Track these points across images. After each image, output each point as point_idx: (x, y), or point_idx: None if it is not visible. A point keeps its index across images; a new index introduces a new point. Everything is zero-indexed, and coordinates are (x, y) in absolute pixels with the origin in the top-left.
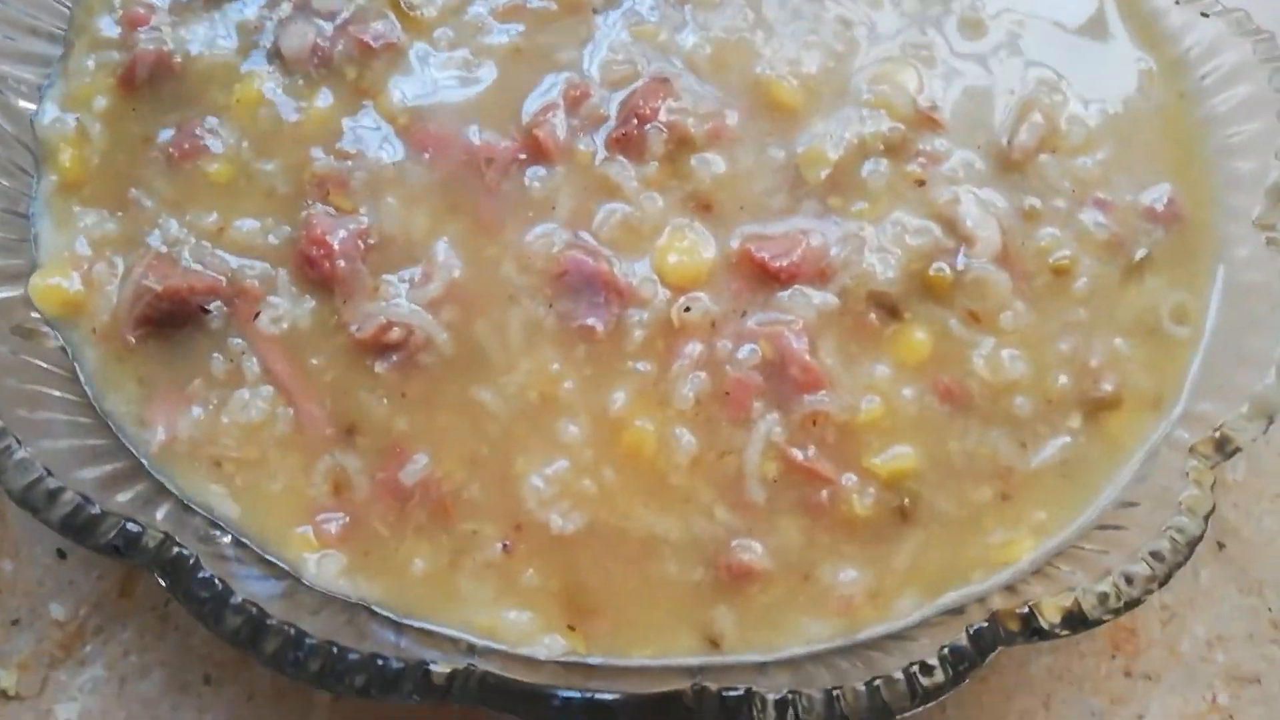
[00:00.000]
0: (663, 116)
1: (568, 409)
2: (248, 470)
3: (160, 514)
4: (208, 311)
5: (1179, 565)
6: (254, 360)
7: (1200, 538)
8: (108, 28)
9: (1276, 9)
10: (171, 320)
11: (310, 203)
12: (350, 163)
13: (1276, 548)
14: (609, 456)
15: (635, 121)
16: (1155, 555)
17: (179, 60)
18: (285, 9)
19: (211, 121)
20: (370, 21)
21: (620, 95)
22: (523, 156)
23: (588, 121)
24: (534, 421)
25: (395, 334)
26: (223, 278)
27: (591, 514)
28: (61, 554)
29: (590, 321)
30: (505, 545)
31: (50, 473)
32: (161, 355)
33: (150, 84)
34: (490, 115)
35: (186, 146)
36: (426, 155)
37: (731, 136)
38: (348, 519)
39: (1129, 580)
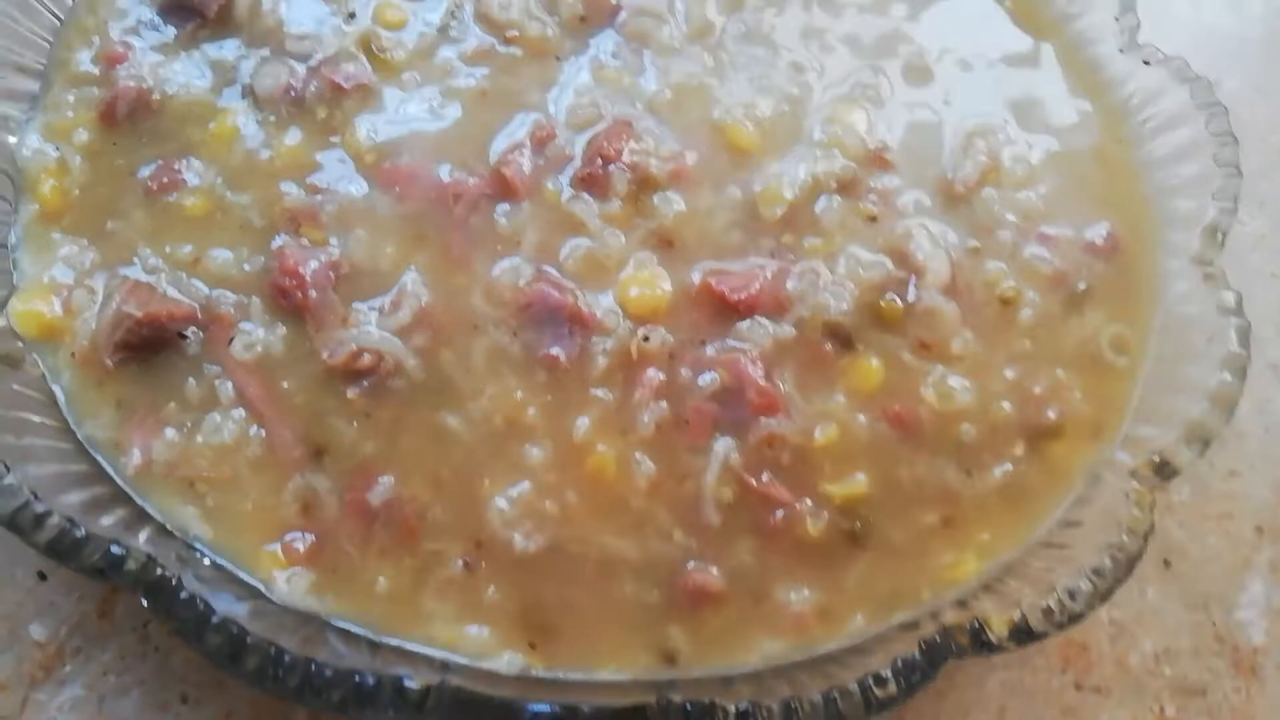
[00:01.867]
0: (626, 157)
1: (532, 434)
2: (220, 491)
3: (142, 537)
4: (185, 337)
5: (1120, 581)
6: (228, 384)
7: (1140, 555)
8: (86, 64)
9: (1212, 56)
10: (150, 345)
11: (282, 235)
12: (320, 197)
13: (1220, 565)
14: (571, 480)
15: (600, 161)
16: (1098, 572)
17: (157, 97)
18: (262, 51)
19: (188, 157)
20: (342, 63)
21: (584, 136)
22: (489, 193)
23: (553, 161)
24: (498, 446)
25: (366, 360)
26: (198, 305)
27: (553, 534)
28: (42, 575)
29: (554, 351)
30: (466, 563)
31: (37, 496)
32: (139, 379)
33: (130, 119)
34: (458, 153)
35: (165, 180)
36: (396, 190)
37: (691, 177)
38: (315, 538)
39: (1073, 596)
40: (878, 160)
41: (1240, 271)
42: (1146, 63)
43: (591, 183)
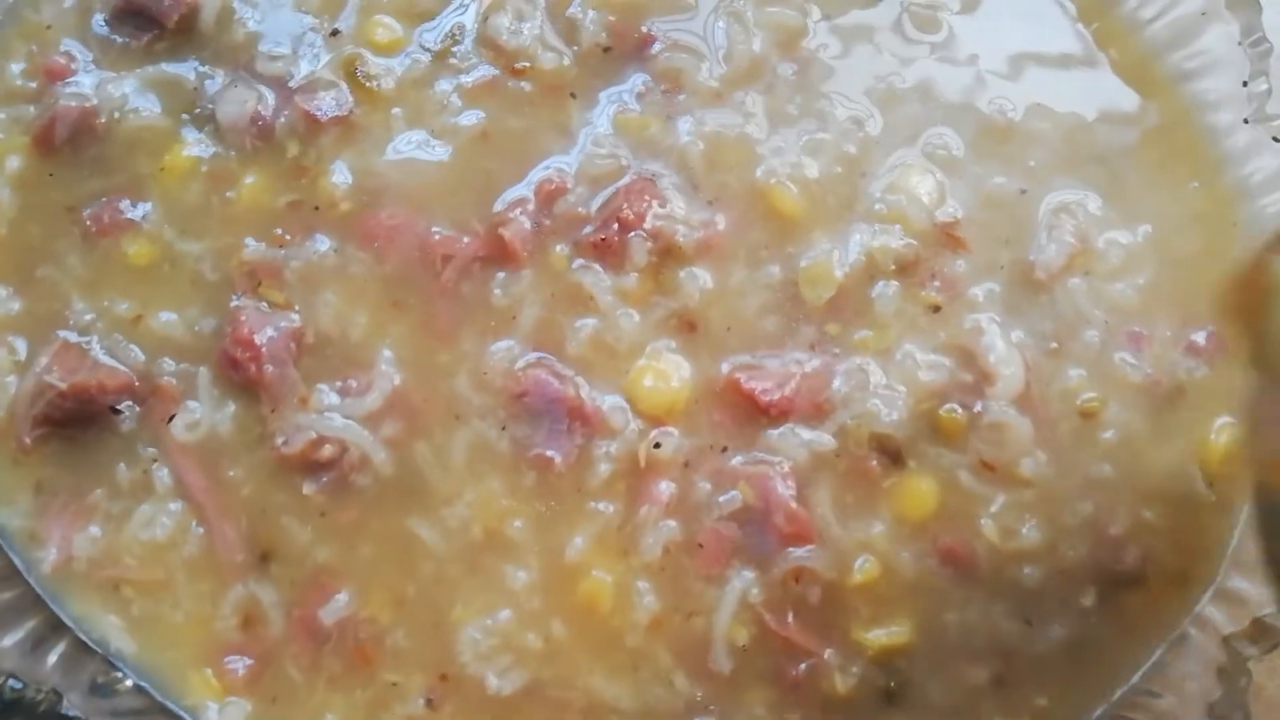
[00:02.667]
0: (648, 223)
1: (515, 550)
2: (149, 597)
3: (54, 655)
4: (119, 412)
5: None
6: (164, 471)
7: None
8: (18, 77)
9: None
10: (76, 420)
11: (239, 294)
12: (285, 251)
13: None
14: (558, 608)
15: (616, 226)
16: None
17: (103, 121)
18: (227, 71)
19: (136, 194)
20: (320, 91)
21: (602, 194)
22: (484, 257)
23: (562, 222)
24: (475, 562)
25: (327, 451)
26: (135, 375)
27: (533, 673)
28: None
29: (549, 452)
30: (430, 700)
31: None
32: (62, 460)
33: (71, 145)
34: (450, 207)
35: (106, 220)
36: (374, 247)
37: (723, 248)
38: (255, 661)
39: None
40: (946, 237)
41: None
42: (1276, 139)
43: (605, 251)
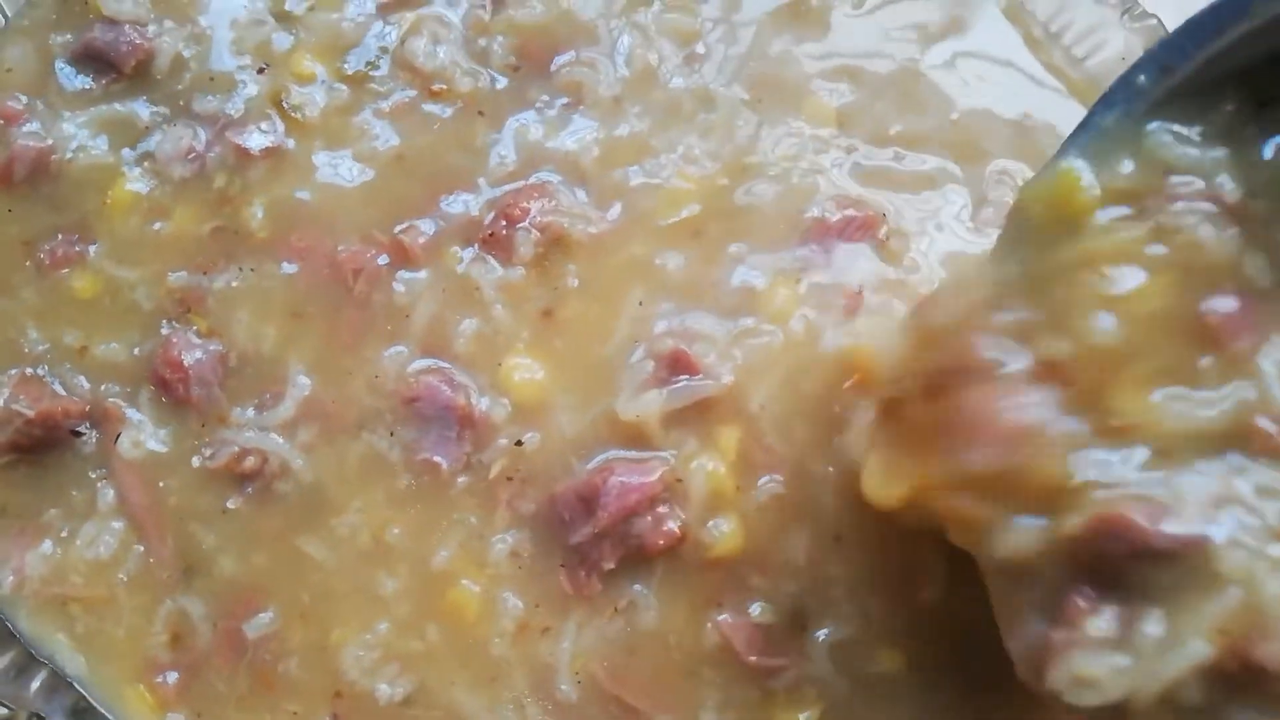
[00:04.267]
0: (534, 216)
1: (390, 558)
2: (93, 614)
3: (36, 682)
4: (79, 434)
5: None
6: (109, 490)
7: None
8: None
9: None
10: (40, 446)
11: (170, 321)
12: (208, 277)
13: None
14: (431, 614)
15: (504, 221)
16: None
17: (56, 159)
18: (173, 110)
19: (85, 230)
20: (251, 124)
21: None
22: (388, 263)
23: (458, 224)
24: (362, 573)
25: (250, 462)
26: (85, 402)
27: (419, 677)
28: None
29: (436, 458)
30: (335, 716)
31: None
32: (24, 483)
33: (29, 183)
34: (364, 224)
35: (59, 254)
36: (292, 267)
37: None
38: (182, 673)
39: None
40: None
41: None
42: None
43: (494, 245)
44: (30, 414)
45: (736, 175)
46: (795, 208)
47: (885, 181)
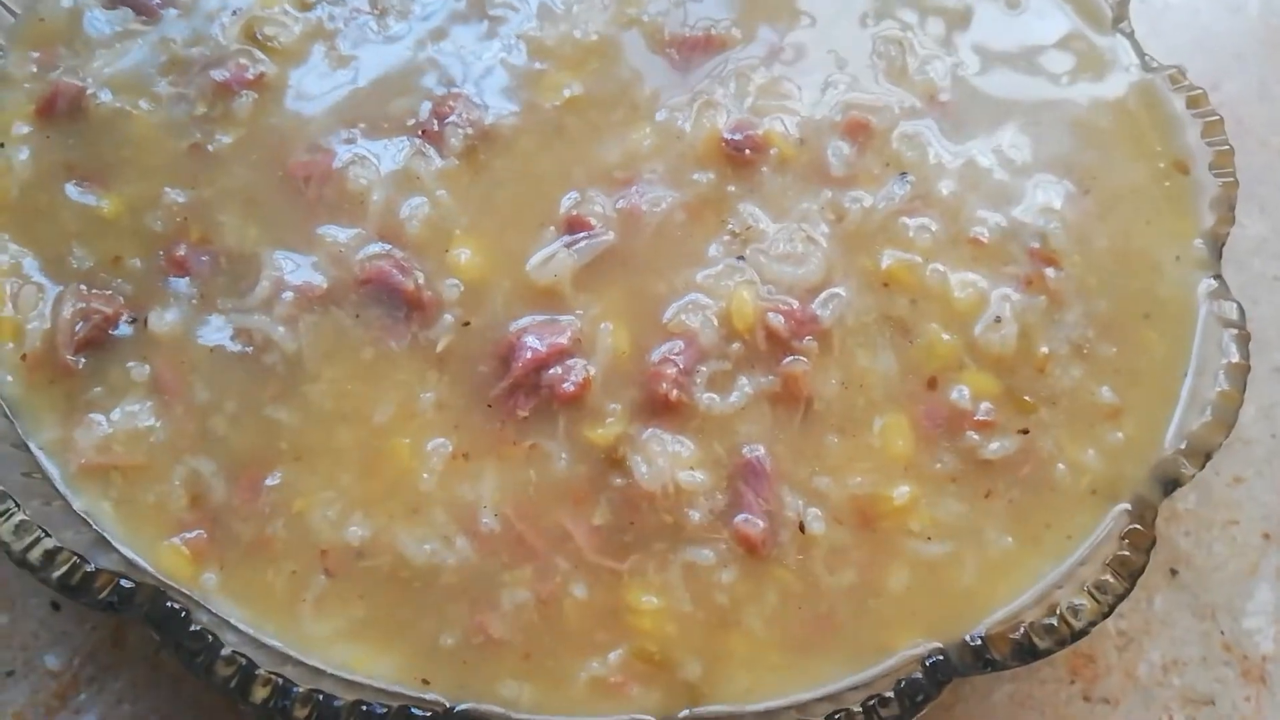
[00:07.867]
0: (460, 113)
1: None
2: (130, 482)
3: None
4: (134, 321)
5: (1123, 597)
6: (146, 367)
7: (1142, 569)
8: (29, 63)
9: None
10: (103, 339)
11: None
12: (197, 190)
13: (1227, 573)
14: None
15: (436, 120)
16: (1100, 588)
17: (91, 94)
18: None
19: (113, 156)
20: (229, 60)
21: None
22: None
23: (397, 125)
24: (326, 436)
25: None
26: (126, 297)
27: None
28: (55, 606)
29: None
30: (327, 571)
31: (47, 533)
32: (92, 374)
33: (68, 116)
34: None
35: (91, 180)
36: (277, 174)
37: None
38: (204, 530)
39: (1075, 613)
40: None
41: (1243, 275)
42: None
43: (431, 138)
44: (108, 311)
45: None
46: None
47: None
